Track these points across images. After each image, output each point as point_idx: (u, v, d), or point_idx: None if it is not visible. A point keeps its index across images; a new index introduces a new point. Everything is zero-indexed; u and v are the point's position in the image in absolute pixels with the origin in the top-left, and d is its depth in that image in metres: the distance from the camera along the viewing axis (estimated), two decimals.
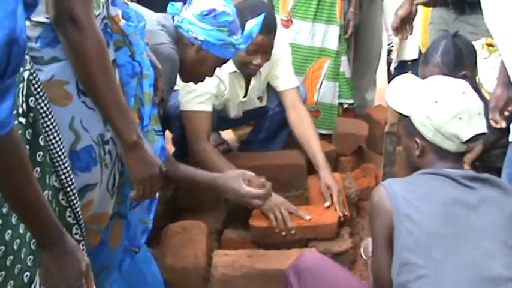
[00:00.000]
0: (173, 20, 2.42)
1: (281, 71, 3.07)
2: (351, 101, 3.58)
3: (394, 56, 3.42)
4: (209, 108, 2.84)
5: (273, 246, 2.59)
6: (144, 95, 1.90)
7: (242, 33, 2.41)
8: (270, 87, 3.15)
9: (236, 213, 2.82)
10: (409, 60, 3.45)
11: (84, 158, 1.69)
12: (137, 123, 1.80)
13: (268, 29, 2.73)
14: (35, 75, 1.50)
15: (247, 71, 2.93)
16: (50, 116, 1.55)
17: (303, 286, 1.99)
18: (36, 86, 1.50)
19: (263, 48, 2.80)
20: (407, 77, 2.09)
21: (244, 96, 3.06)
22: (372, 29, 3.75)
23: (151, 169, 1.80)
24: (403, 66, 3.45)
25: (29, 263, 1.44)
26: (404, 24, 3.04)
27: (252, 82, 3.04)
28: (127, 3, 1.85)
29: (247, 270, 2.34)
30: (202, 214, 2.77)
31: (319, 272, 1.99)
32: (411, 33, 3.05)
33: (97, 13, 1.68)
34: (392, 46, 3.42)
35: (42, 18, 1.58)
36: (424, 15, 3.20)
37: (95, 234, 1.82)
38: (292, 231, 2.61)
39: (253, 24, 2.42)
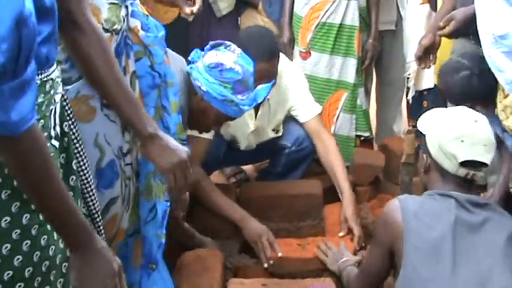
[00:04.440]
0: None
1: (298, 101, 3.09)
2: (367, 134, 3.60)
3: (411, 84, 3.45)
4: (207, 136, 2.85)
5: (288, 275, 2.61)
6: (170, 104, 1.96)
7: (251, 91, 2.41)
8: (285, 121, 3.17)
9: None
10: (425, 90, 3.46)
11: (108, 174, 1.75)
12: (150, 117, 1.79)
13: (269, 56, 2.76)
14: (66, 98, 1.55)
15: None
16: (80, 143, 1.60)
17: None
18: (69, 111, 1.55)
19: (265, 75, 2.77)
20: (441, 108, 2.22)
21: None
22: (396, 60, 3.77)
23: (176, 155, 1.78)
24: (420, 96, 3.48)
25: (59, 286, 1.46)
26: (427, 54, 3.06)
27: (260, 110, 3.07)
28: (147, 15, 1.91)
29: None
30: (218, 242, 2.79)
31: None
32: (434, 63, 3.07)
33: (118, 27, 1.75)
34: (409, 75, 3.45)
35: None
36: (445, 45, 3.21)
37: (116, 252, 1.83)
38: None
39: (262, 89, 2.44)
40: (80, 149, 1.58)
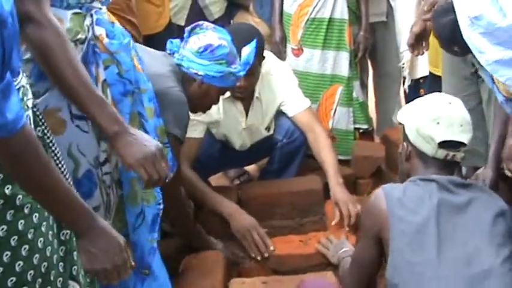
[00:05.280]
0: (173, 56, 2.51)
1: (287, 96, 3.10)
2: (365, 126, 3.59)
3: (406, 74, 3.45)
4: (197, 135, 2.90)
5: (291, 272, 2.61)
6: (145, 110, 1.96)
7: (240, 59, 2.49)
8: (275, 117, 3.18)
9: None
10: (421, 78, 3.46)
11: (86, 184, 1.75)
12: (116, 114, 1.72)
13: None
14: (36, 104, 1.56)
15: (234, 94, 2.98)
16: (55, 146, 1.60)
17: None
18: (40, 116, 1.56)
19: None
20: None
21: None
22: (390, 52, 3.76)
23: (144, 148, 1.71)
24: (416, 84, 3.47)
25: (59, 285, 1.49)
26: (420, 41, 3.05)
27: (251, 108, 3.08)
28: (113, 22, 1.90)
29: None
30: (224, 244, 2.80)
31: None
32: (427, 49, 3.06)
33: (83, 36, 1.75)
34: (403, 64, 3.45)
35: (28, 55, 1.66)
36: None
37: None
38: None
39: (248, 51, 2.52)
40: (56, 151, 1.59)
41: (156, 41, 3.15)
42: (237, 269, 2.71)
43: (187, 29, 2.53)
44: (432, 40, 3.16)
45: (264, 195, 3.01)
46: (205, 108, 2.65)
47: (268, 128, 3.18)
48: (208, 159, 3.08)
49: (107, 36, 1.84)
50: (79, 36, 1.77)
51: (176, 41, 2.52)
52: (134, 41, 2.91)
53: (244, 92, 2.98)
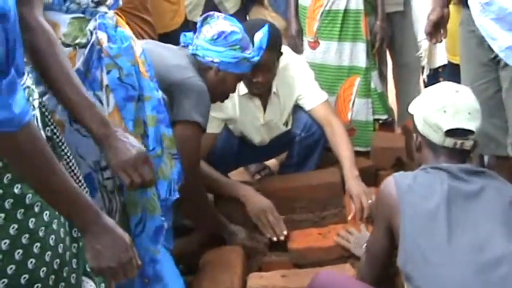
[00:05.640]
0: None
1: (304, 90, 3.11)
2: (385, 116, 3.56)
3: (424, 63, 3.42)
4: (212, 130, 2.88)
5: (311, 265, 2.59)
6: (147, 118, 1.95)
7: (253, 46, 2.53)
8: (293, 112, 3.18)
9: None
10: (440, 67, 3.42)
11: (88, 185, 1.76)
12: (104, 117, 1.73)
13: (269, 46, 2.73)
14: (45, 105, 1.59)
15: (251, 91, 2.99)
16: (64, 145, 1.62)
17: None
18: (49, 117, 1.58)
19: (262, 65, 2.77)
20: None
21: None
22: (408, 41, 3.73)
23: (127, 152, 1.71)
24: (435, 73, 3.44)
25: (72, 281, 1.51)
26: (437, 29, 3.02)
27: (269, 104, 3.08)
28: (117, 26, 1.90)
29: None
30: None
31: None
32: (445, 37, 3.03)
33: (83, 40, 1.77)
34: (421, 53, 3.41)
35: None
36: (453, 18, 3.16)
37: None
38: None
39: (261, 36, 2.55)
40: (66, 150, 1.62)
41: (172, 39, 3.15)
42: (257, 263, 2.71)
43: (199, 19, 2.58)
44: (450, 28, 3.13)
45: (283, 189, 3.01)
46: (223, 97, 2.68)
47: (286, 123, 3.18)
48: (227, 155, 3.09)
49: (109, 40, 1.85)
50: (78, 40, 1.78)
51: (189, 34, 2.58)
52: (150, 39, 2.98)
53: (262, 88, 2.98)
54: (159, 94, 2.03)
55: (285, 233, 2.71)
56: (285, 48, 3.07)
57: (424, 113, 2.00)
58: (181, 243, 2.73)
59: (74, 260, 1.54)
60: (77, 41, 1.78)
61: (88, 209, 1.44)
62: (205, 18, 2.55)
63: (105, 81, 1.82)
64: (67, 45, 1.77)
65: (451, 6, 3.00)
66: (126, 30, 1.99)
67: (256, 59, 2.55)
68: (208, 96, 2.43)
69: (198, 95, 2.39)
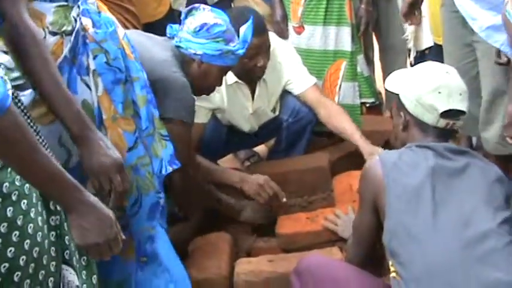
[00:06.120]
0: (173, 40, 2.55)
1: (292, 74, 3.12)
2: (371, 100, 3.56)
3: (411, 45, 3.42)
4: (199, 120, 2.88)
5: (300, 250, 2.60)
6: (138, 98, 1.97)
7: (238, 38, 2.51)
8: (280, 97, 3.19)
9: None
10: (426, 49, 3.42)
11: (78, 175, 1.75)
12: (85, 117, 1.72)
13: (260, 30, 2.80)
14: (20, 99, 1.58)
15: (255, 76, 3.00)
16: (44, 142, 1.62)
17: (305, 287, 2.04)
18: (22, 107, 1.58)
19: (262, 49, 2.87)
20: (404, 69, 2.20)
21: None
22: (393, 24, 3.72)
23: (101, 159, 1.71)
24: (422, 56, 3.44)
25: (52, 269, 1.52)
26: (413, 10, 3.03)
27: (257, 91, 3.09)
28: (99, 12, 1.92)
29: (268, 275, 2.35)
30: (230, 225, 2.81)
31: (318, 272, 2.06)
32: (420, 19, 3.04)
33: (69, 28, 1.77)
34: (407, 36, 3.41)
35: None
36: (430, 0, 3.17)
37: None
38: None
39: (246, 28, 2.53)
40: (45, 147, 1.61)
41: (156, 29, 3.15)
42: (245, 249, 2.72)
43: (184, 11, 2.57)
44: (434, 9, 3.14)
45: (271, 174, 2.98)
46: (209, 90, 2.66)
47: (274, 109, 3.18)
48: (216, 143, 3.10)
49: (94, 25, 1.87)
50: (64, 28, 1.79)
51: (175, 26, 2.57)
52: (134, 29, 2.98)
53: (263, 72, 2.99)
54: (145, 75, 2.04)
55: (284, 200, 2.79)
56: (271, 34, 3.06)
57: (417, 94, 1.99)
58: (173, 231, 2.73)
59: (53, 248, 1.54)
60: (63, 29, 1.78)
61: (72, 187, 1.45)
62: (190, 10, 2.54)
63: (92, 66, 1.83)
64: (54, 34, 1.77)
65: None
66: (109, 15, 1.99)
67: (241, 51, 2.52)
68: (189, 90, 2.43)
69: (180, 91, 2.39)
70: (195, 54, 2.48)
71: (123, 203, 1.90)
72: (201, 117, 2.95)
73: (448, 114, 1.96)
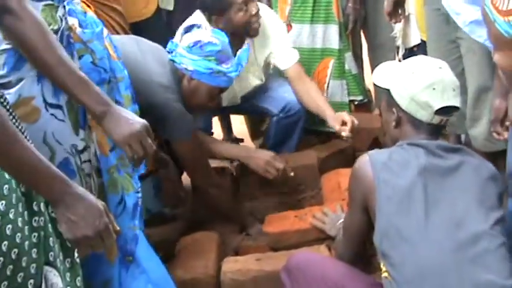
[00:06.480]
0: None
1: (277, 48, 3.15)
2: (360, 98, 3.55)
3: (399, 43, 3.41)
4: None
5: (289, 248, 2.60)
6: (123, 97, 1.98)
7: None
8: (270, 88, 3.21)
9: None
10: (415, 46, 3.41)
11: (63, 172, 1.75)
12: (103, 95, 1.77)
13: None
14: (6, 99, 1.57)
15: (253, 28, 3.02)
16: (30, 141, 1.61)
17: (295, 285, 2.03)
18: (10, 110, 1.57)
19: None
20: (392, 62, 2.18)
21: None
22: (382, 22, 3.70)
23: (129, 127, 1.75)
24: (410, 53, 3.43)
25: (32, 271, 1.49)
26: (397, 8, 3.05)
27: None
28: (85, 12, 1.92)
29: (256, 274, 2.35)
30: (218, 225, 2.82)
31: (308, 269, 2.04)
32: (404, 17, 3.05)
33: (55, 27, 1.76)
34: (395, 34, 3.41)
35: (3, 46, 1.67)
36: None
37: None
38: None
39: (241, 52, 2.55)
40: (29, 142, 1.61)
41: (144, 28, 3.16)
42: (233, 248, 2.71)
43: (184, 27, 2.63)
44: (420, 6, 3.14)
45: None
46: (198, 109, 2.66)
47: (258, 78, 3.21)
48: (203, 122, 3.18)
49: (80, 25, 1.88)
50: (51, 27, 1.78)
51: (176, 41, 2.61)
52: (121, 28, 2.98)
53: (259, 19, 3.02)
54: (126, 73, 2.05)
55: (292, 174, 2.88)
56: (259, 4, 3.10)
57: (410, 91, 1.93)
58: (161, 231, 2.74)
59: (34, 250, 1.51)
60: (50, 27, 1.77)
61: (57, 179, 1.43)
62: (189, 27, 2.58)
63: (77, 66, 1.82)
64: None
65: None
66: (93, 15, 2.01)
67: (234, 74, 2.53)
68: (186, 115, 2.49)
69: (177, 119, 2.46)
70: (186, 69, 2.51)
71: (155, 165, 1.92)
72: None
73: (442, 110, 1.91)
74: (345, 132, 2.90)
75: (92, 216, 1.46)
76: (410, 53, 3.45)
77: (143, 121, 1.80)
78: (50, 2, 1.78)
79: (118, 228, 1.56)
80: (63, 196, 1.44)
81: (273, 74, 3.31)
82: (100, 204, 1.49)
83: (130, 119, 1.77)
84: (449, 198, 1.82)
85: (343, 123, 2.91)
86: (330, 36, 3.43)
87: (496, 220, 1.81)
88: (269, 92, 3.23)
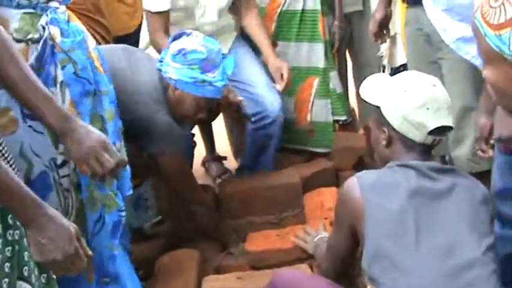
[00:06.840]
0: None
1: None
2: (344, 117, 3.51)
3: (385, 62, 3.41)
4: (161, 8, 2.88)
5: (270, 268, 2.56)
6: (106, 112, 1.93)
7: None
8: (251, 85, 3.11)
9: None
10: (401, 66, 3.41)
11: (39, 186, 1.71)
12: (64, 111, 1.70)
13: None
14: None
15: None
16: (5, 149, 1.57)
17: None
18: None
19: None
20: (382, 75, 2.14)
21: None
22: (367, 41, 3.68)
23: (87, 144, 1.68)
24: (396, 72, 3.40)
25: (4, 286, 1.46)
26: (382, 29, 3.05)
27: None
28: (69, 21, 1.88)
29: None
30: (199, 242, 2.77)
31: (294, 287, 1.98)
32: (388, 37, 3.05)
33: (36, 36, 1.73)
34: (382, 53, 3.41)
35: None
36: (402, 17, 3.18)
37: None
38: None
39: (226, 61, 2.50)
40: (6, 155, 1.57)
41: (128, 42, 3.12)
42: (214, 267, 2.67)
43: (173, 35, 2.56)
44: (403, 24, 3.14)
45: (241, 191, 2.99)
46: (183, 120, 2.59)
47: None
48: None
49: (62, 35, 1.83)
50: (30, 35, 1.75)
51: (166, 50, 2.53)
52: (104, 42, 2.94)
53: None
54: (112, 87, 2.01)
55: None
56: None
57: (403, 110, 1.85)
58: (142, 248, 2.70)
59: (7, 264, 1.48)
60: (29, 36, 1.75)
61: (29, 201, 1.40)
62: (179, 35, 2.51)
63: (60, 77, 1.80)
64: (19, 41, 1.73)
65: (402, 5, 3.01)
66: (79, 25, 1.96)
67: (220, 84, 2.46)
68: (173, 127, 2.45)
69: (163, 133, 2.41)
70: (170, 78, 2.45)
71: (117, 177, 1.87)
72: (162, 5, 2.90)
73: (436, 130, 1.85)
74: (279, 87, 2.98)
75: (62, 239, 1.42)
76: (396, 72, 3.44)
77: (99, 137, 1.71)
78: (32, 10, 1.75)
79: (90, 252, 1.51)
80: (35, 218, 1.41)
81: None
82: (72, 227, 1.45)
83: (86, 135, 1.69)
84: (441, 223, 1.76)
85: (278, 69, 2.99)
86: (315, 54, 3.39)
87: (487, 246, 1.76)
88: (250, 86, 3.07)
